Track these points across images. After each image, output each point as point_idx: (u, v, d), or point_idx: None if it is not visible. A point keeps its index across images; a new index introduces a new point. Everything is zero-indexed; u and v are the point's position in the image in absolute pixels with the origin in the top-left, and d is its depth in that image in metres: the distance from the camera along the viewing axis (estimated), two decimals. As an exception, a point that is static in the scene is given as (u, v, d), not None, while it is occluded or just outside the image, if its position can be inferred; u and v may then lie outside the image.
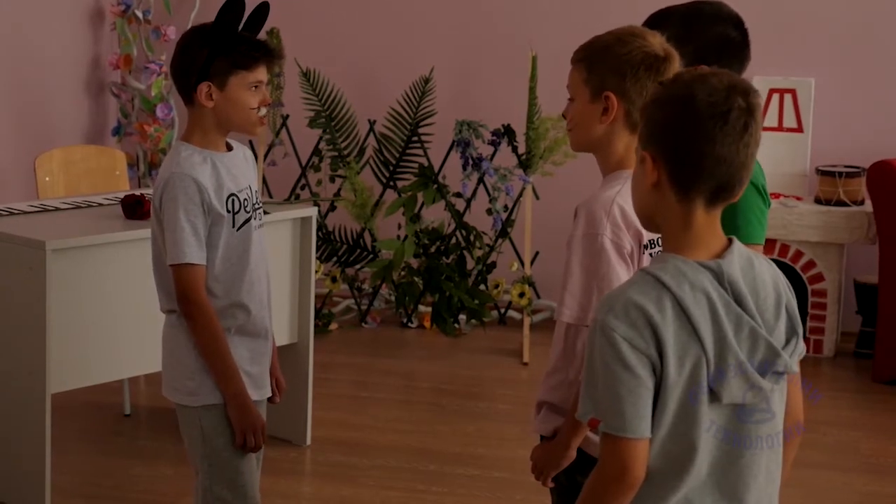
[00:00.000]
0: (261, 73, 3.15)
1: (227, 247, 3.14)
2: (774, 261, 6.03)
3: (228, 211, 3.13)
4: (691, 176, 2.10)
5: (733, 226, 2.78)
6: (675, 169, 2.11)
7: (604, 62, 2.62)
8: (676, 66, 2.63)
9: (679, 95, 2.11)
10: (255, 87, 3.14)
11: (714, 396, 2.08)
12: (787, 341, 2.15)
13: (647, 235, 2.60)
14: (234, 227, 3.14)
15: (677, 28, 2.91)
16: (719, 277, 2.09)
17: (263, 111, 3.17)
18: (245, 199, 3.17)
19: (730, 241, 2.15)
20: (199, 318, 3.09)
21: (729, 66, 2.86)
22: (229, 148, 3.23)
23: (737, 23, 2.99)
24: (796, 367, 2.15)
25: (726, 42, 2.94)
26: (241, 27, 3.17)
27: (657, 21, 2.96)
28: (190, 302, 3.09)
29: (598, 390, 2.07)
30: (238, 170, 3.20)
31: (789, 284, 2.20)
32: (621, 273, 2.57)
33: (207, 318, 3.10)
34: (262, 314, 3.23)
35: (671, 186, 2.12)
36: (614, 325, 2.05)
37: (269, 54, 3.17)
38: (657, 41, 2.64)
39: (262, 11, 3.22)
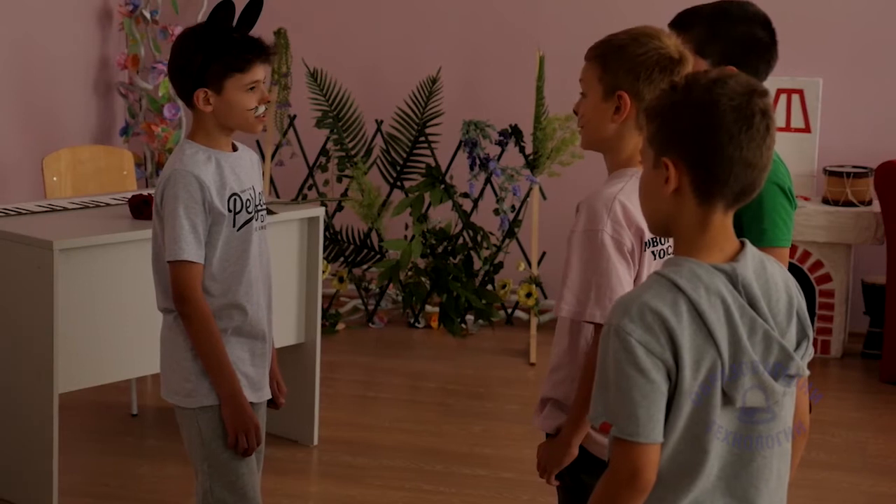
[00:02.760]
0: (257, 73, 3.11)
1: (227, 246, 3.12)
2: (782, 261, 5.94)
3: (230, 210, 3.11)
4: (717, 181, 2.08)
5: (759, 228, 2.77)
6: (700, 175, 2.09)
7: (619, 61, 2.62)
8: (689, 68, 2.62)
9: (701, 101, 2.08)
10: (252, 87, 3.11)
11: (727, 400, 2.07)
12: (798, 344, 2.15)
13: (649, 233, 2.60)
14: (234, 226, 3.12)
15: (705, 27, 2.90)
16: (733, 280, 2.08)
17: (262, 109, 3.14)
18: (247, 200, 3.15)
19: (742, 244, 2.15)
20: (194, 317, 3.07)
21: (756, 67, 2.86)
22: (235, 149, 3.21)
23: (764, 22, 2.96)
24: (807, 371, 2.15)
25: (754, 42, 2.92)
26: (234, 25, 3.13)
27: (684, 20, 2.94)
28: (185, 301, 3.07)
29: (610, 394, 2.06)
30: (242, 170, 3.18)
31: (799, 287, 2.20)
32: (621, 270, 2.57)
33: (203, 317, 3.07)
34: (259, 316, 3.20)
35: (693, 192, 2.10)
36: (630, 329, 2.03)
37: (262, 52, 3.13)
38: (672, 42, 2.64)
39: (255, 5, 3.17)
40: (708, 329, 2.05)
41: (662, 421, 2.05)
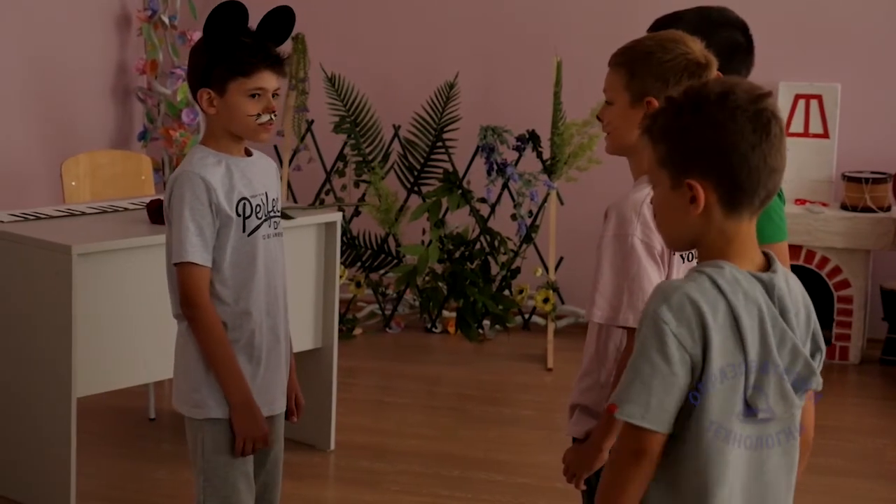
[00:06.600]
0: (261, 80, 3.06)
1: (236, 251, 3.08)
2: (800, 267, 5.95)
3: (238, 214, 3.08)
4: (746, 193, 2.07)
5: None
6: (729, 190, 2.07)
7: (646, 68, 2.63)
8: (714, 72, 2.63)
9: (718, 118, 2.06)
10: (256, 94, 3.06)
11: (749, 410, 2.07)
12: (812, 357, 2.15)
13: None
14: (244, 231, 3.09)
15: (688, 32, 2.92)
16: (769, 291, 2.08)
17: (265, 118, 3.08)
18: (258, 206, 3.11)
19: (766, 255, 2.14)
20: (201, 321, 3.03)
21: (737, 71, 2.90)
22: (249, 154, 3.19)
23: (743, 28, 3.01)
24: (821, 385, 2.15)
25: (734, 47, 2.96)
26: (262, 32, 3.11)
27: (666, 24, 2.96)
28: (191, 305, 3.03)
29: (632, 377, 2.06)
30: (255, 176, 3.14)
31: (809, 299, 2.20)
32: (652, 273, 2.57)
33: (210, 322, 3.03)
34: (271, 324, 3.15)
35: (721, 207, 2.08)
36: (667, 318, 2.03)
37: (268, 59, 3.08)
38: (698, 47, 2.64)
39: (285, 16, 3.15)
40: (741, 335, 2.05)
41: (674, 414, 2.05)
